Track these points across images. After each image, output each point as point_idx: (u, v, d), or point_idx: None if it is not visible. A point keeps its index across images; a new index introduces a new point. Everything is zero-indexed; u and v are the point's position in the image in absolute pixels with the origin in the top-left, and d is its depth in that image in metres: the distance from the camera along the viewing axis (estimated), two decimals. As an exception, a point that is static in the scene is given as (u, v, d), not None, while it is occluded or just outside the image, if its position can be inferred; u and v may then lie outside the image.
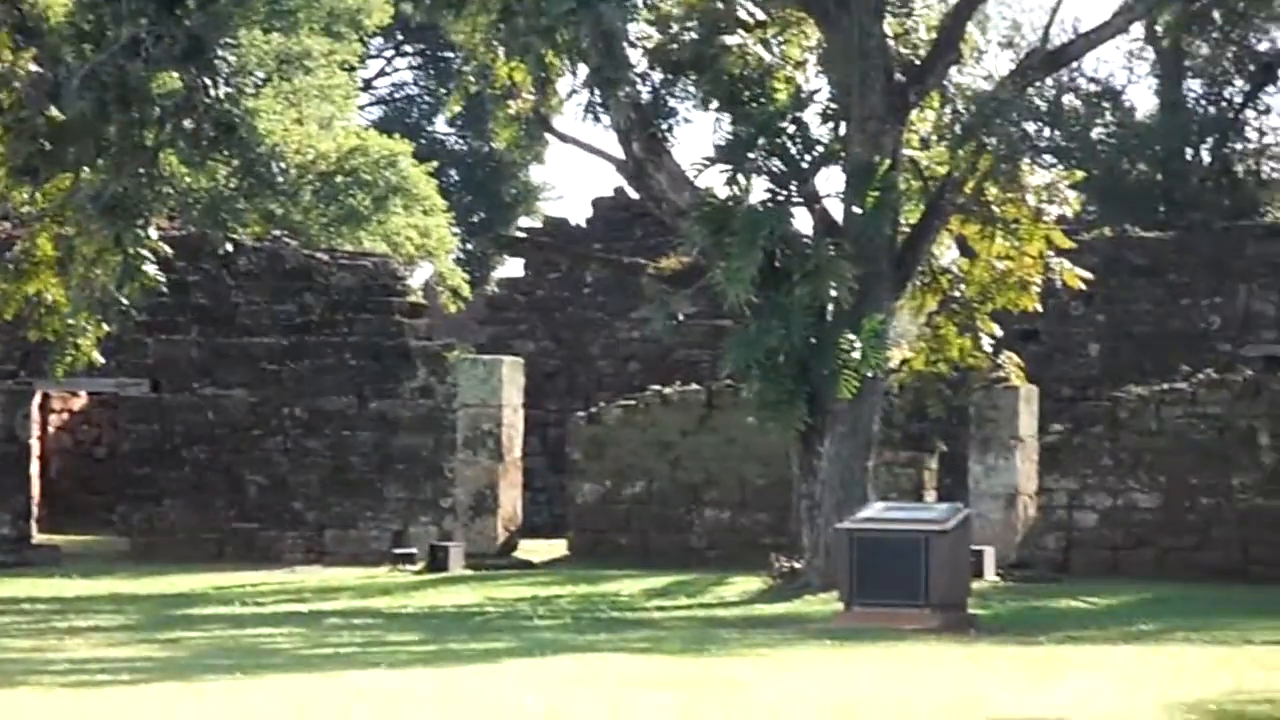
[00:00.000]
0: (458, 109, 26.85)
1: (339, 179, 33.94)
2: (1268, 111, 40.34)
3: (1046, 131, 36.49)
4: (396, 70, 53.84)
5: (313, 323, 25.73)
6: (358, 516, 25.04)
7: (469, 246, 42.90)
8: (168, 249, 21.80)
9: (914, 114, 21.72)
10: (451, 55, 33.06)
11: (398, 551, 23.71)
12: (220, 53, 22.05)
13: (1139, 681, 13.13)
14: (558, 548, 26.54)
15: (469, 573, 23.41)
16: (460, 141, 47.67)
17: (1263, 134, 40.30)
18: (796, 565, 21.56)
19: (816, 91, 22.54)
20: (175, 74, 22.25)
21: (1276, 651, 16.19)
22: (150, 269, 21.01)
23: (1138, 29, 33.10)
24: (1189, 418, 24.64)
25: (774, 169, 21.72)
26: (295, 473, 25.43)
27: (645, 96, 22.61)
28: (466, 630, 17.30)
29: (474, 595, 21.18)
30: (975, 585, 20.44)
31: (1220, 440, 24.42)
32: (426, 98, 50.51)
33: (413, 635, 16.58)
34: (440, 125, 48.66)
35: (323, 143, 34.08)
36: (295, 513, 25.28)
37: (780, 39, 22.56)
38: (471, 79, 23.08)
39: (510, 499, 24.85)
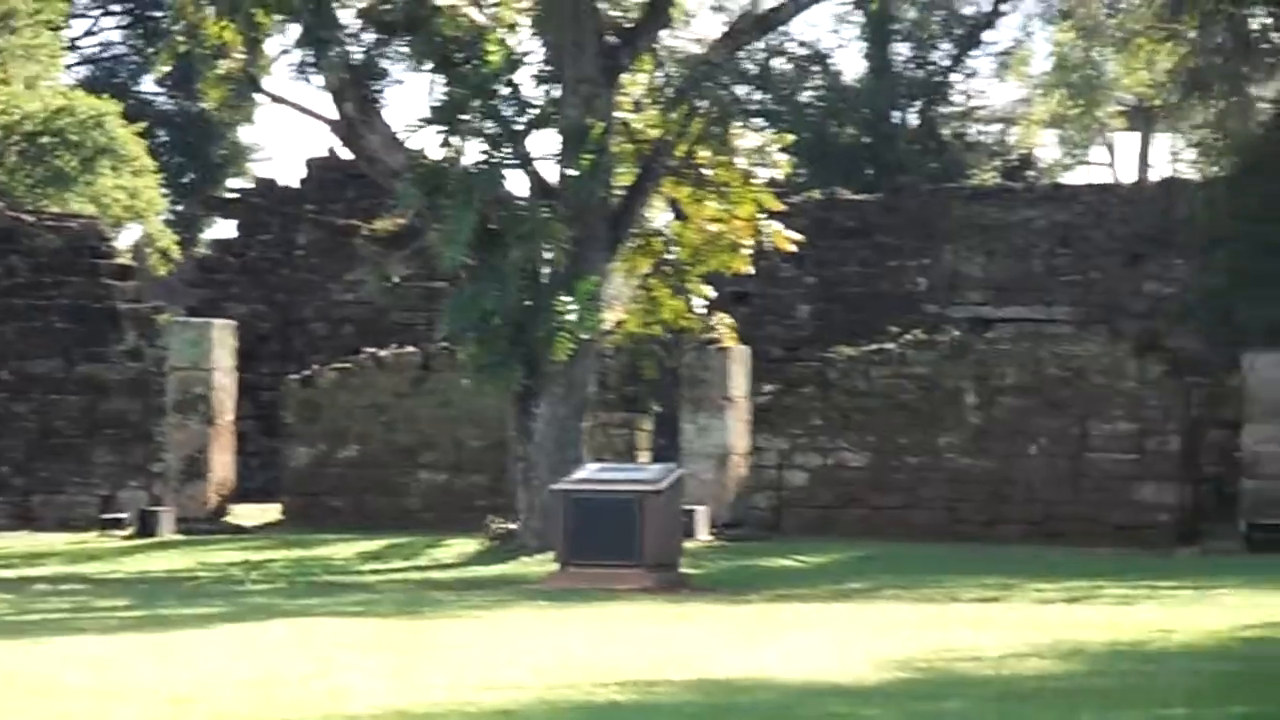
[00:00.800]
0: (166, 69, 26.50)
1: (45, 140, 33.91)
2: (973, 75, 42.34)
3: (756, 95, 37.47)
4: (104, 29, 53.20)
5: (18, 285, 25.55)
6: (66, 481, 24.97)
7: (179, 208, 43.19)
8: None
9: (626, 77, 22.07)
10: (160, 14, 32.72)
11: (107, 517, 23.58)
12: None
13: (849, 639, 13.55)
14: (271, 512, 26.60)
15: (180, 538, 23.37)
16: (169, 101, 47.70)
17: (968, 97, 42.14)
18: (512, 527, 21.91)
19: (529, 54, 22.74)
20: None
21: (983, 609, 17.07)
22: None
23: None
24: (897, 378, 25.35)
25: (488, 131, 21.87)
26: (1, 437, 25.42)
27: (357, 57, 22.77)
28: (177, 596, 17.20)
29: (185, 560, 21.06)
30: (688, 545, 20.99)
31: (927, 400, 25.12)
32: (134, 57, 50.21)
33: (122, 601, 16.34)
34: (149, 85, 48.79)
35: (28, 103, 33.93)
36: (1, 477, 25.20)
37: (493, 1, 22.68)
38: (180, 38, 22.71)
39: (222, 463, 24.97)
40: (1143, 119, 43.86)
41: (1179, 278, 30.58)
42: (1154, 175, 42.80)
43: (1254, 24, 30.16)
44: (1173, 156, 44.72)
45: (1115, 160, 49.73)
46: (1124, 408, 25.22)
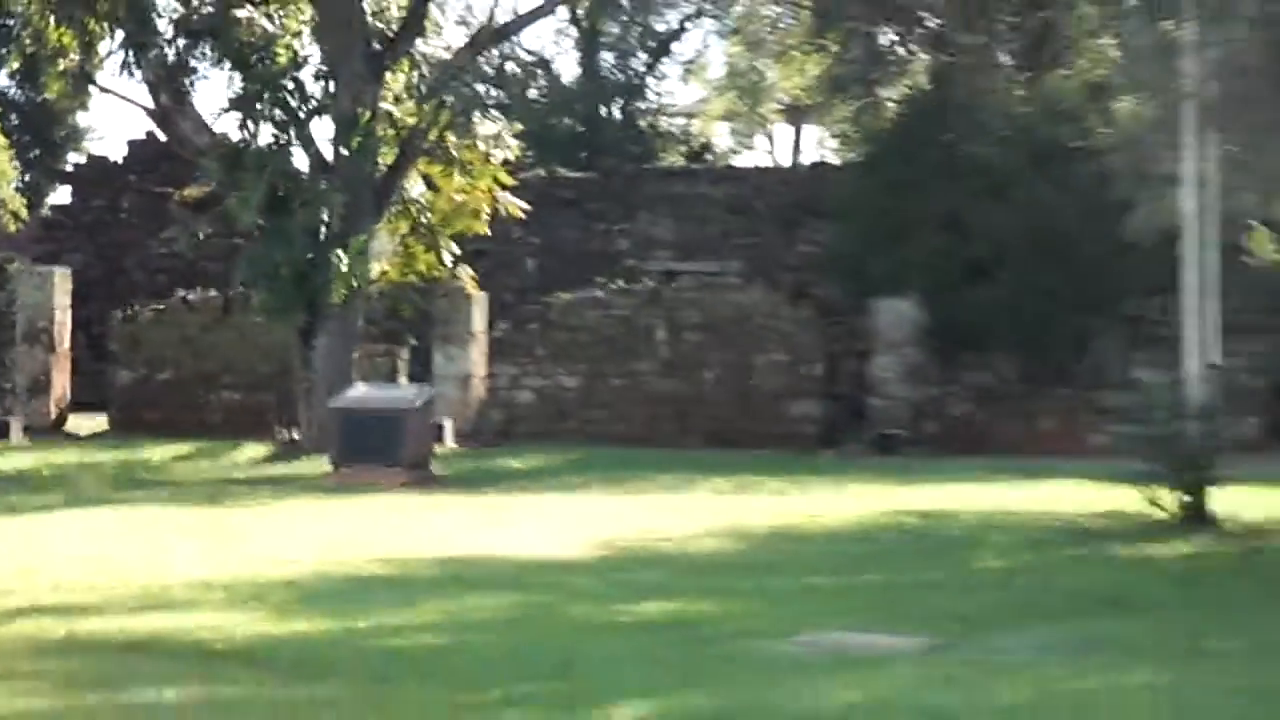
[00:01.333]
0: (16, 65, 29.39)
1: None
2: (664, 79, 44.32)
3: (493, 92, 39.35)
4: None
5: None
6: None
7: (26, 178, 44.29)
8: None
9: (389, 76, 25.09)
10: (10, 21, 35.07)
11: (-34, 426, 25.99)
12: None
13: (565, 523, 16.34)
14: (100, 423, 28.82)
15: (27, 443, 25.49)
16: (18, 91, 49.13)
17: (660, 96, 44.82)
18: (296, 436, 24.82)
19: (310, 56, 25.78)
20: None
21: (670, 499, 19.95)
22: None
23: (564, 11, 37.45)
24: (603, 318, 28.43)
25: (277, 118, 24.91)
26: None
27: (171, 57, 25.44)
28: (24, 488, 19.37)
29: (31, 461, 22.99)
30: (438, 450, 23.52)
31: (627, 336, 28.14)
32: (-11, 56, 50.11)
33: (-24, 492, 18.34)
34: (1, 79, 49.24)
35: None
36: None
37: (281, 13, 25.54)
38: (28, 41, 25.48)
39: (61, 383, 28.04)
40: (796, 114, 46.49)
41: (822, 240, 32.65)
42: (805, 159, 45.30)
43: (883, 39, 33.85)
44: (819, 145, 47.74)
45: (774, 147, 52.44)
46: (779, 343, 28.54)
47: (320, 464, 22.39)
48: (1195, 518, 17.55)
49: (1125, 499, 17.78)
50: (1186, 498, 17.57)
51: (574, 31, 42.53)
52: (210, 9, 24.87)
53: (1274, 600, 13.43)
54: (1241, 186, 18.47)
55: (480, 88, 35.02)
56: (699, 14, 44.33)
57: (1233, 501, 18.24)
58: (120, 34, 24.87)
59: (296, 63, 25.75)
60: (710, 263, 33.66)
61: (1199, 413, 17.93)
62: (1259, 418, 26.88)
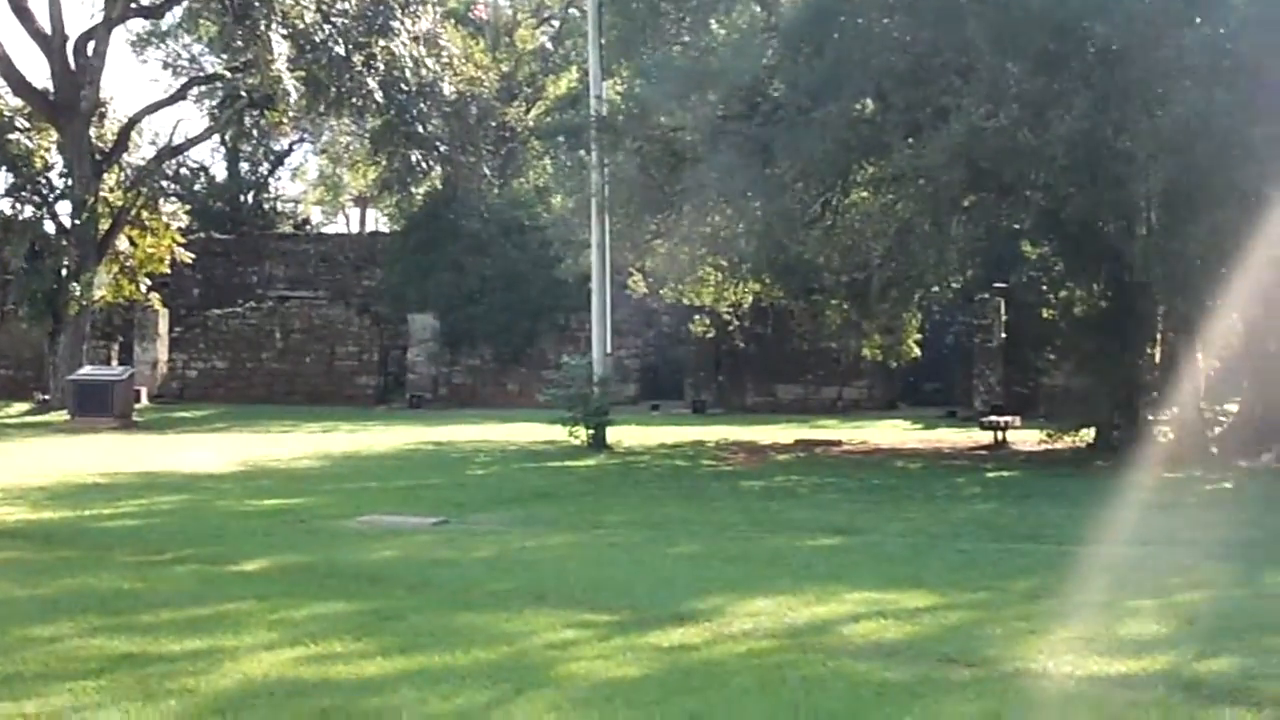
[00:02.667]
0: None
1: None
2: (279, 178, 56.18)
3: (172, 185, 46.21)
4: None
5: None
6: None
7: None
8: None
9: (107, 175, 33.39)
10: None
11: None
12: None
13: (219, 451, 20.52)
14: None
15: None
16: None
17: (277, 189, 55.69)
18: (47, 398, 32.46)
19: (56, 162, 34.36)
20: None
21: (283, 435, 24.37)
22: None
23: (217, 138, 44.65)
24: (241, 325, 37.57)
25: (35, 200, 34.13)
26: None
27: None
28: None
29: None
30: (137, 406, 29.74)
31: (257, 335, 37.56)
32: None
33: None
34: None
35: None
36: None
37: (38, 136, 33.69)
38: None
39: None
40: (362, 201, 58.55)
41: (378, 278, 42.00)
42: (368, 228, 58.30)
43: (413, 157, 40.38)
44: (376, 220, 59.61)
45: (349, 221, 64.37)
46: (351, 340, 38.04)
47: (62, 416, 28.40)
48: (597, 444, 21.88)
49: (557, 434, 22.53)
50: (592, 432, 22.04)
51: (223, 149, 51.10)
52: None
53: (639, 489, 17.08)
54: (622, 249, 24.11)
55: (164, 183, 42.61)
56: (301, 139, 54.38)
57: (619, 434, 23.13)
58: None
59: (47, 166, 34.24)
60: (308, 291, 42.41)
61: (599, 382, 22.57)
62: (635, 384, 36.79)
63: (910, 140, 18.67)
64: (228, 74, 37.94)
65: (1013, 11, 17.36)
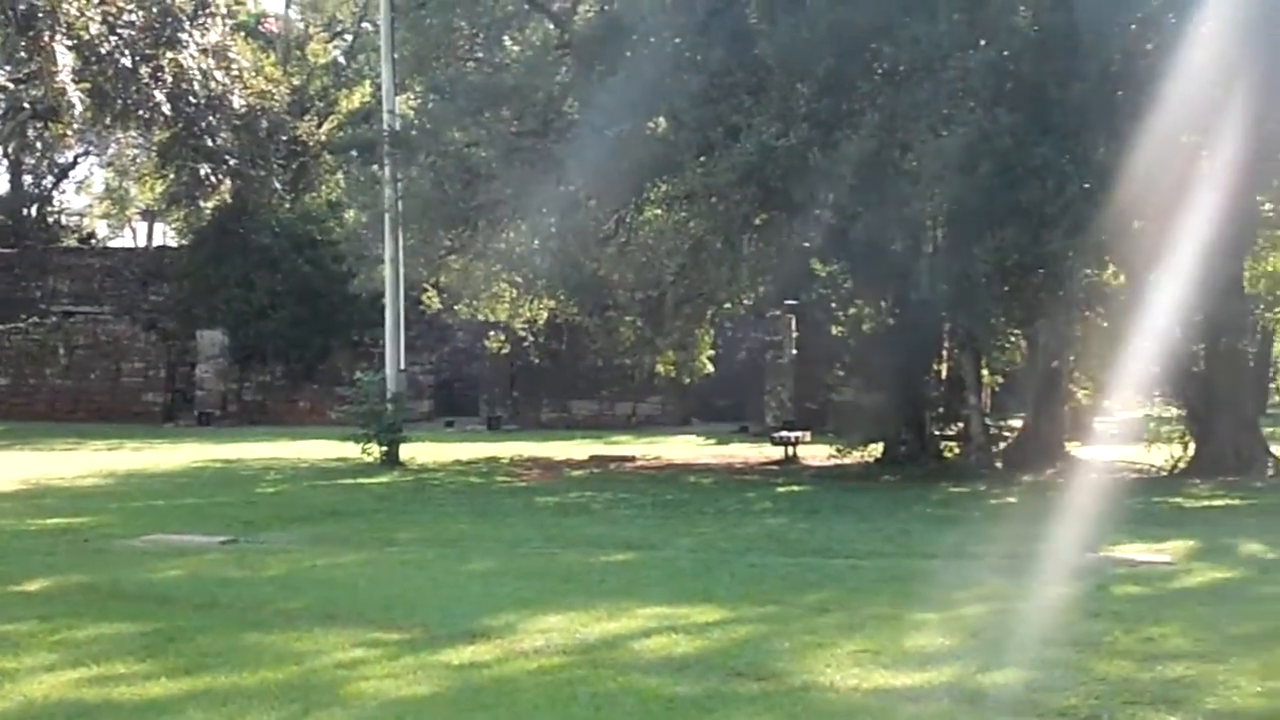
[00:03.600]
0: None
1: None
2: (64, 191, 55.80)
3: None
4: None
5: None
6: None
7: None
8: None
9: None
10: None
11: None
12: None
13: (8, 470, 20.39)
14: None
15: None
16: None
17: (62, 202, 55.71)
18: None
19: None
20: None
21: (66, 454, 24.65)
22: None
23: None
24: (24, 340, 36.73)
25: None
26: None
27: None
28: None
29: None
30: None
31: (41, 351, 36.82)
32: None
33: None
34: None
35: None
36: None
37: None
38: None
39: None
40: (150, 215, 58.16)
41: (165, 293, 41.46)
42: (155, 243, 57.56)
43: (202, 170, 39.00)
44: (164, 234, 58.55)
45: (136, 235, 63.15)
46: (138, 356, 37.72)
47: None
48: (390, 461, 21.99)
49: (350, 451, 22.59)
50: (385, 449, 22.18)
51: (5, 161, 50.49)
52: None
53: (431, 506, 17.33)
54: (416, 264, 23.93)
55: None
56: (87, 152, 53.28)
57: (412, 451, 23.43)
58: None
59: None
60: (93, 307, 41.74)
61: (393, 398, 22.75)
62: (430, 401, 37.38)
63: (702, 159, 19.07)
64: (10, 85, 36.97)
65: (801, 33, 17.77)
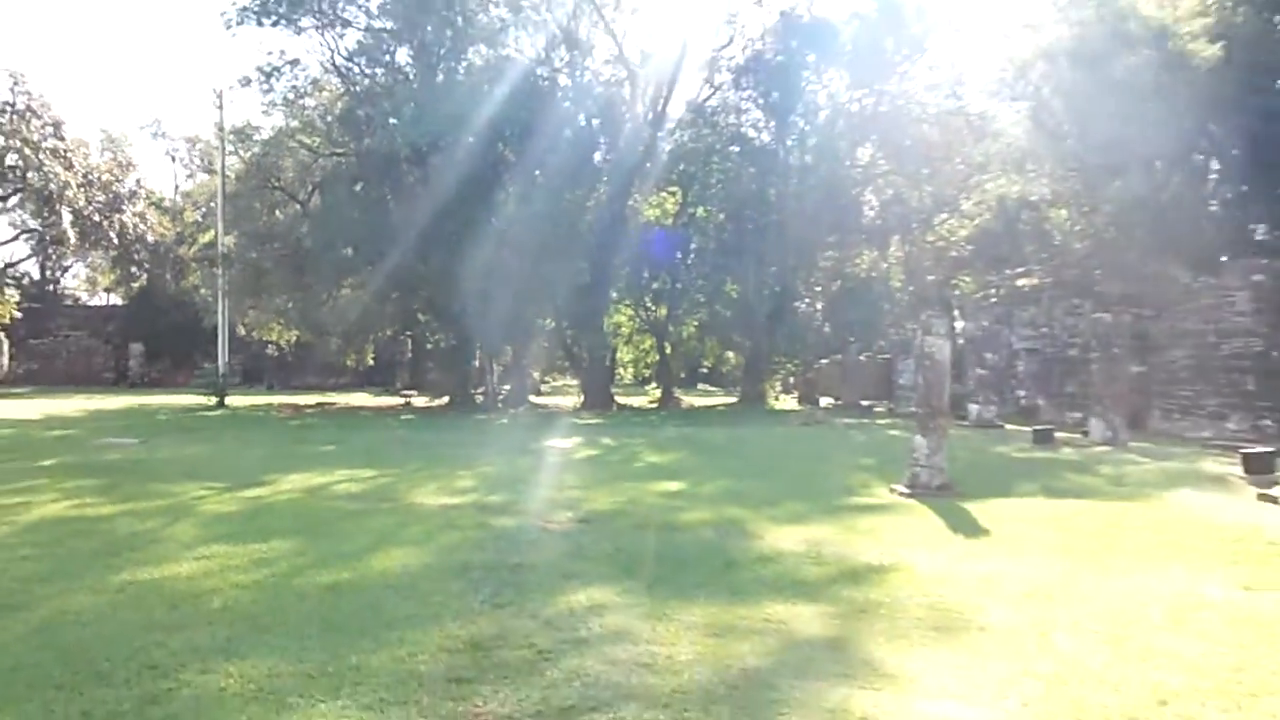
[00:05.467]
0: None
1: None
2: None
3: None
4: None
5: None
6: None
7: None
8: None
9: None
10: None
11: None
12: None
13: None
14: None
15: None
16: None
17: None
18: None
19: None
20: None
21: (64, 400, 37.75)
22: None
23: None
24: None
25: None
26: None
27: None
28: None
29: None
30: None
31: None
32: None
33: None
34: None
35: None
36: None
37: None
38: None
39: None
40: (109, 289, 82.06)
41: (115, 326, 67.58)
42: (112, 302, 79.14)
43: None
44: (113, 298, 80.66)
45: (103, 298, 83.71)
46: (101, 355, 65.67)
47: None
48: (220, 405, 36.97)
49: (202, 401, 38.56)
50: (218, 399, 38.61)
51: (37, 263, 76.91)
52: None
53: (238, 426, 27.00)
54: (234, 312, 55.32)
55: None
56: (77, 260, 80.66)
57: (231, 400, 40.35)
58: None
59: None
60: (80, 333, 69.57)
61: (222, 375, 41.55)
62: (239, 376, 57.75)
63: (369, 268, 45.39)
64: (39, 227, 68.05)
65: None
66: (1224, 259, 32.48)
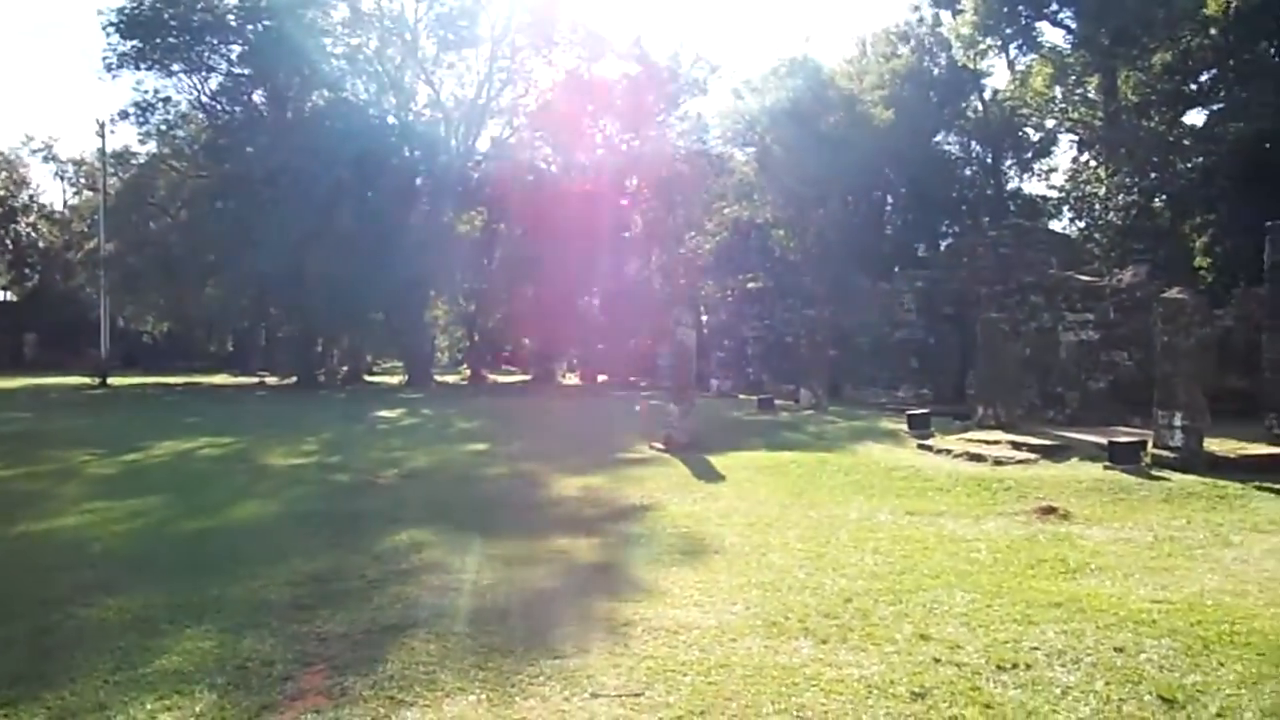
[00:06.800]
0: None
1: None
2: None
3: None
4: None
5: None
6: None
7: None
8: None
9: None
10: None
11: None
12: None
13: None
14: None
15: None
16: None
17: None
18: None
19: None
20: None
21: None
22: None
23: None
24: None
25: None
26: None
27: None
28: None
29: None
30: None
31: None
32: None
33: None
34: None
35: None
36: None
37: None
38: None
39: None
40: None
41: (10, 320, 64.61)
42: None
43: None
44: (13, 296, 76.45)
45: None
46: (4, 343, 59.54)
47: None
48: (103, 385, 35.73)
49: (88, 381, 37.19)
50: (100, 380, 36.59)
51: None
52: None
53: (121, 402, 26.79)
54: (114, 305, 51.99)
55: None
56: None
57: (113, 380, 37.51)
58: None
59: None
60: None
61: (105, 359, 41.00)
62: (120, 359, 61.06)
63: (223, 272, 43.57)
64: None
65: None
66: (896, 269, 34.35)
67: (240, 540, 8.84)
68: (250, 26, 37.99)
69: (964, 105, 42.40)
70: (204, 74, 39.55)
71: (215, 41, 38.29)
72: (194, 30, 37.27)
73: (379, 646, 5.87)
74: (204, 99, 40.24)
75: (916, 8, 43.99)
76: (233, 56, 39.44)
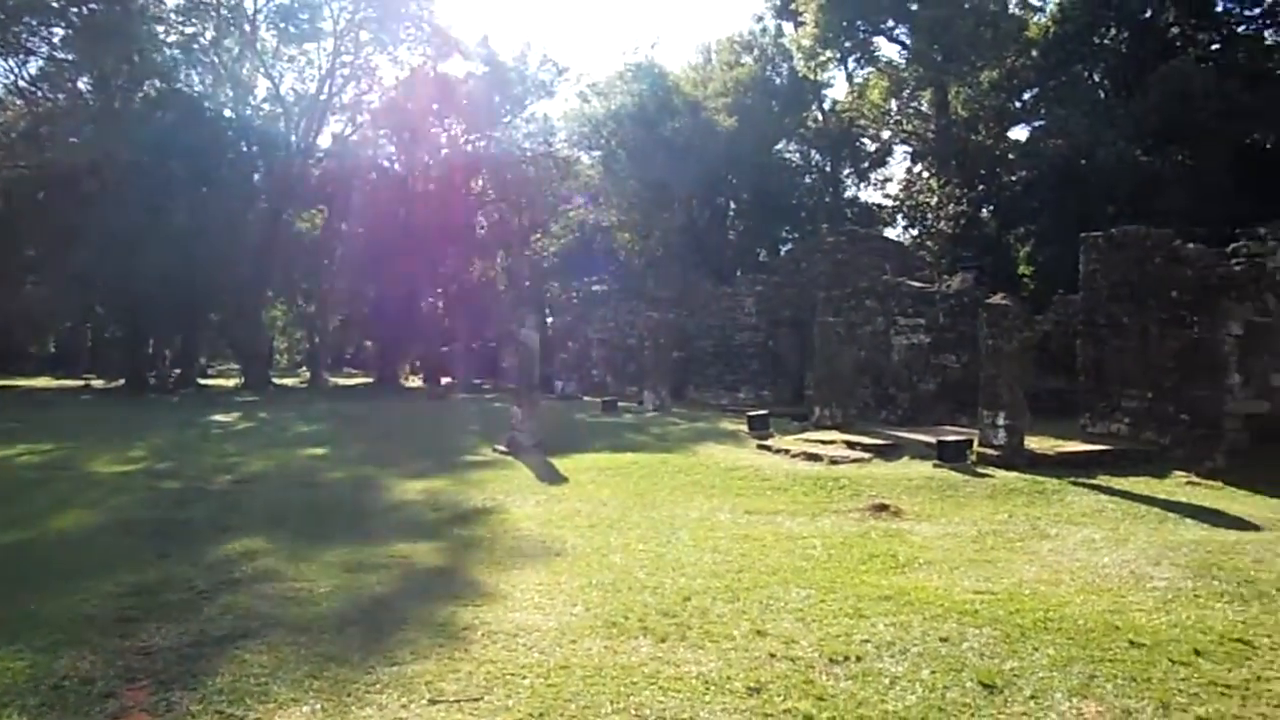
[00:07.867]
0: None
1: None
2: None
3: None
4: None
5: None
6: None
7: None
8: None
9: None
10: None
11: None
12: None
13: None
14: None
15: None
16: None
17: None
18: None
19: None
20: None
21: None
22: None
23: None
24: None
25: None
26: None
27: None
28: None
29: None
30: None
31: None
32: None
33: None
34: None
35: None
36: None
37: None
38: None
39: None
40: None
41: None
42: None
43: None
44: None
45: None
46: None
47: None
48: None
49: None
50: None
51: None
52: None
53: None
54: None
55: None
56: None
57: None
58: None
59: None
60: None
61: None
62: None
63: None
64: None
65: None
66: (738, 274, 35.12)
67: (60, 552, 8.40)
68: (74, 9, 36.16)
69: (805, 115, 43.72)
70: (22, 57, 37.65)
71: (34, 23, 36.45)
72: (9, 9, 35.35)
73: (208, 659, 5.66)
74: (21, 84, 38.21)
75: (760, 18, 45.28)
76: (54, 40, 37.54)
